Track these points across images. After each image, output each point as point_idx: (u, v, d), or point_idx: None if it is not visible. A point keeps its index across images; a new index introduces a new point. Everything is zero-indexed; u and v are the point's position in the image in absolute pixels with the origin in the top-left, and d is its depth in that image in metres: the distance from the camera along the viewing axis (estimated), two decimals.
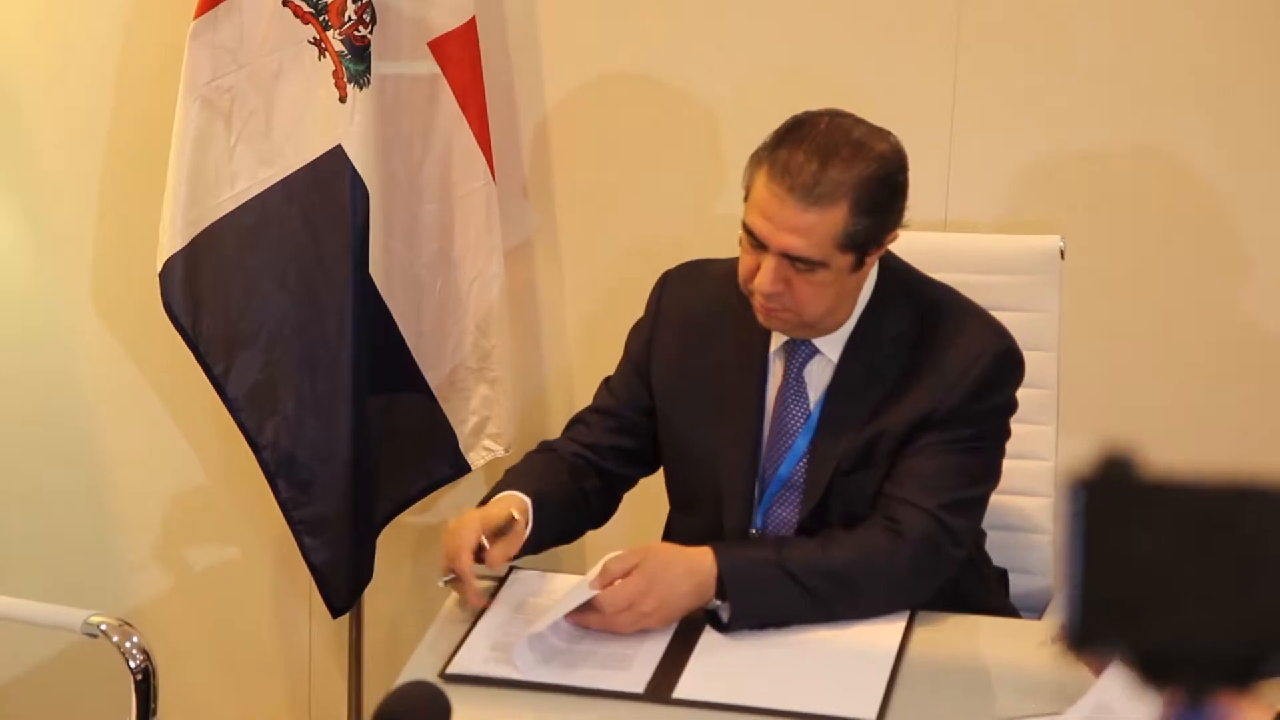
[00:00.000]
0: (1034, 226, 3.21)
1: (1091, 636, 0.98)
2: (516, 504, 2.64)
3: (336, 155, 3.29)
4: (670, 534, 2.86)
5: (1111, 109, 3.34)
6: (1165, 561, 0.96)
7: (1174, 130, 3.32)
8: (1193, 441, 3.37)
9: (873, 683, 2.41)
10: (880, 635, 2.52)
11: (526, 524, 2.63)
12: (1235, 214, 3.34)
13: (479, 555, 2.56)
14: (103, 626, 2.64)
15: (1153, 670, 0.97)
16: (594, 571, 2.55)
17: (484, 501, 2.69)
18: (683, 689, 2.40)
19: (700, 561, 2.55)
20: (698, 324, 2.76)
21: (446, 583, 2.59)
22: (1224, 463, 3.19)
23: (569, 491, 2.74)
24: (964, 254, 3.03)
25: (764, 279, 2.53)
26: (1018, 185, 3.38)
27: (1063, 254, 3.03)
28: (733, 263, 2.66)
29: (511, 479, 2.73)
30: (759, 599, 2.54)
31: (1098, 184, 3.37)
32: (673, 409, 2.77)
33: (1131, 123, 3.34)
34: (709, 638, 2.53)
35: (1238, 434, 3.38)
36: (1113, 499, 0.98)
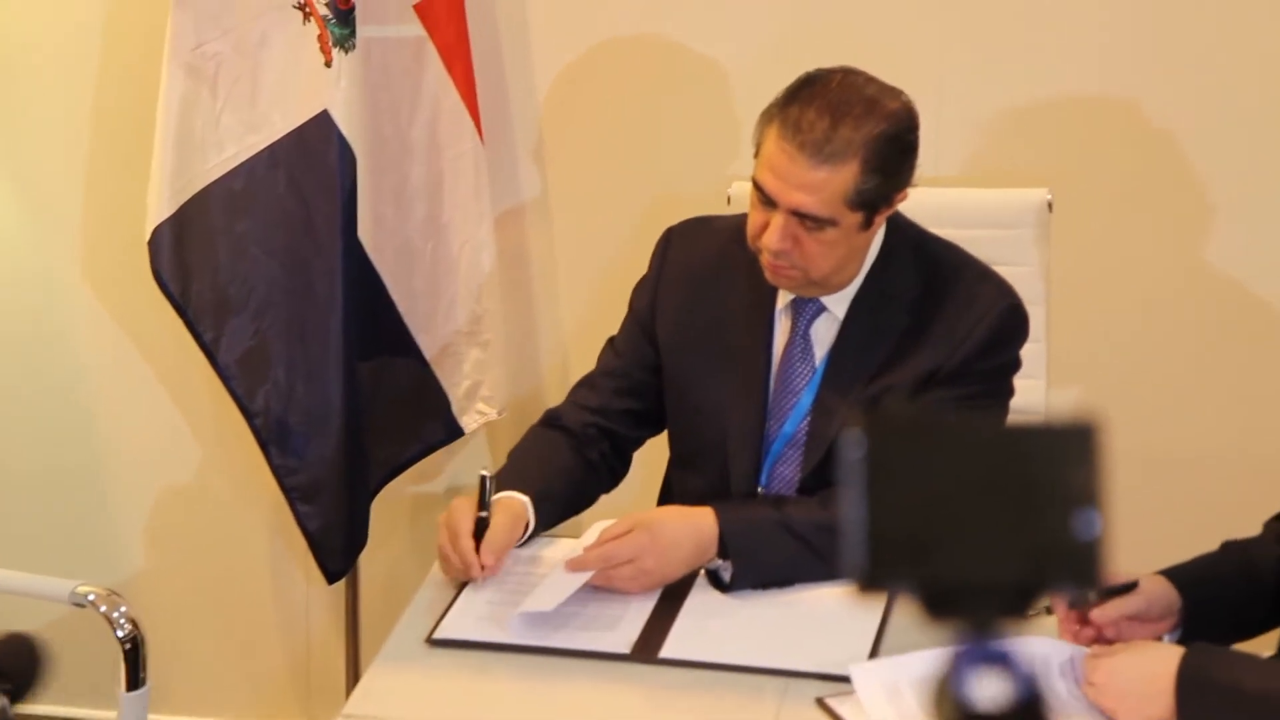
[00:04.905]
0: (1022, 180, 3.19)
1: (880, 576, 1.02)
2: (515, 509, 2.60)
3: (323, 120, 3.27)
4: (669, 491, 2.85)
5: (1099, 62, 3.31)
6: (945, 500, 1.02)
7: (1161, 83, 3.30)
8: (1180, 392, 3.36)
9: (859, 641, 2.40)
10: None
11: (527, 528, 2.61)
12: (1218, 166, 3.31)
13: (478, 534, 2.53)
14: (90, 596, 2.62)
15: (938, 604, 1.02)
16: (589, 536, 2.54)
17: (484, 491, 2.59)
18: (669, 649, 2.40)
19: (701, 520, 2.55)
20: (703, 279, 2.75)
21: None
22: (1210, 412, 3.17)
23: (573, 471, 2.72)
24: (952, 207, 3.01)
25: (772, 236, 2.51)
26: (1005, 139, 3.36)
27: (1050, 207, 3.01)
28: (737, 218, 2.65)
29: (512, 469, 2.68)
30: (762, 556, 2.54)
31: (1085, 137, 3.34)
32: (678, 364, 2.75)
33: (1118, 75, 3.31)
34: (696, 598, 2.52)
35: (1223, 385, 3.37)
36: (891, 443, 1.03)
